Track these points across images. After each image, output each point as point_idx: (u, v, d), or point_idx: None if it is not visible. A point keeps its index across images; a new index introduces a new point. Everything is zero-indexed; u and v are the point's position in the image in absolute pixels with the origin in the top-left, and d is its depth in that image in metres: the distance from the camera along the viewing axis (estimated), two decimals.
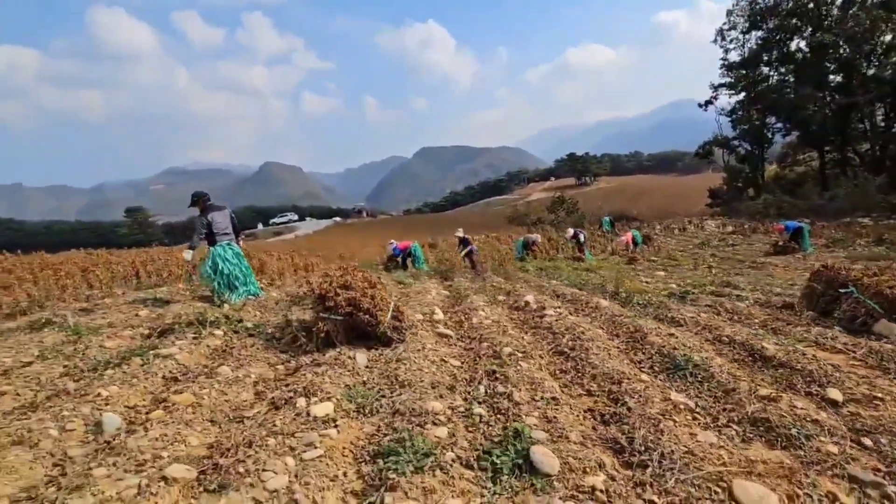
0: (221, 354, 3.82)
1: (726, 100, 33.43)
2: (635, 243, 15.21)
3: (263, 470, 2.22)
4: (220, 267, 5.58)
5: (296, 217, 70.39)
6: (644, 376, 3.21)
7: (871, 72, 23.07)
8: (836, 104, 22.75)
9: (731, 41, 30.16)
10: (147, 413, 2.79)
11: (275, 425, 2.60)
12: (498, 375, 3.23)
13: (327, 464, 2.33)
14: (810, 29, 23.52)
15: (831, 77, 24.22)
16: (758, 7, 25.94)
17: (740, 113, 30.28)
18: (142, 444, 2.37)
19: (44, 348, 3.89)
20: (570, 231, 15.23)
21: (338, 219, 69.16)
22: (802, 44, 24.55)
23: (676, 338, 3.87)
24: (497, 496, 2.08)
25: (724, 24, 29.97)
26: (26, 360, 3.68)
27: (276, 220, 68.72)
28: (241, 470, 2.23)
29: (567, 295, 5.87)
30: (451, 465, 2.27)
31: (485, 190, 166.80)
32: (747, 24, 27.60)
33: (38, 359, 3.66)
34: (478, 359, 3.63)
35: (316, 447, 2.41)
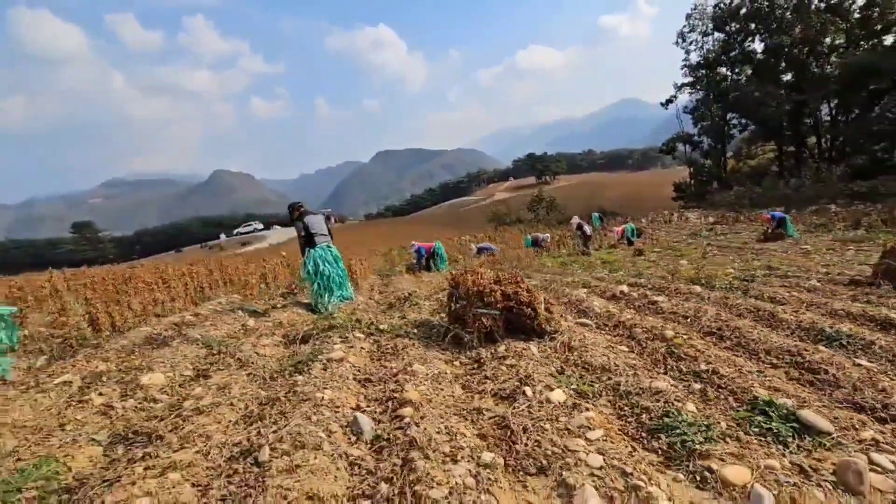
0: (386, 355, 3.83)
1: (687, 98, 35.43)
2: (629, 237, 15.84)
3: (566, 450, 2.34)
4: (319, 268, 5.52)
5: (261, 226, 68.14)
6: (808, 347, 3.51)
7: (818, 71, 25.18)
8: (792, 101, 24.70)
9: (691, 43, 32.06)
10: (392, 411, 2.81)
11: (530, 413, 2.70)
12: (681, 355, 3.44)
13: (611, 444, 2.45)
14: (767, 33, 25.40)
15: (784, 77, 26.21)
16: (719, 11, 27.74)
17: (702, 110, 32.19)
18: (431, 439, 2.41)
19: (197, 360, 3.77)
20: (576, 221, 15.30)
21: None
22: (759, 45, 26.52)
23: (804, 314, 4.22)
24: (794, 455, 2.29)
25: (684, 26, 31.84)
26: (191, 374, 3.56)
27: (240, 229, 66.26)
28: (549, 452, 2.33)
29: (647, 284, 6.17)
30: (729, 434, 2.46)
31: (445, 192, 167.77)
32: (710, 26, 29.44)
33: (204, 371, 3.55)
34: (642, 343, 3.82)
35: (592, 428, 2.53)
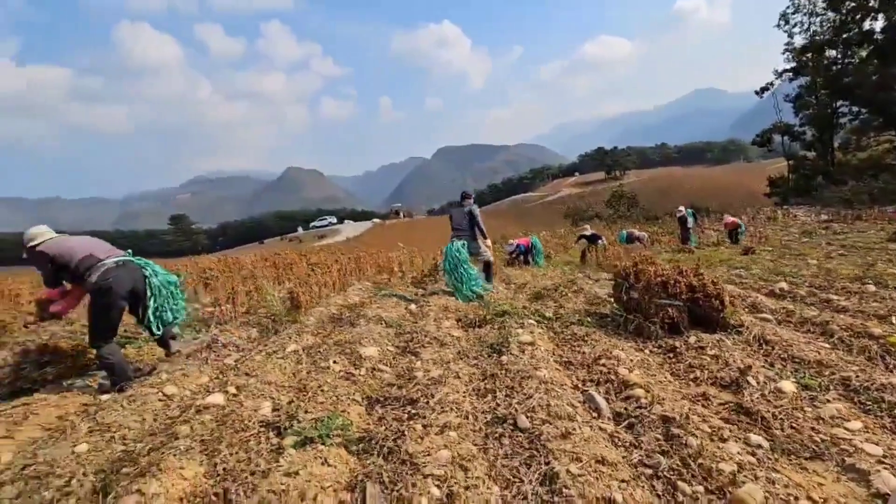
0: (570, 342, 3.96)
1: (787, 85, 32.61)
2: (738, 234, 14.90)
3: (835, 438, 2.34)
4: (445, 264, 5.82)
5: (335, 220, 71.51)
6: None
7: None
8: None
9: (795, 25, 29.46)
10: (618, 392, 2.94)
11: (768, 401, 2.72)
12: None
13: (876, 435, 2.42)
14: (892, 9, 22.77)
15: None
16: None
17: (806, 98, 29.53)
18: (683, 416, 2.51)
19: (390, 338, 4.12)
20: (682, 210, 14.60)
21: (377, 220, 69.90)
22: (880, 24, 23.84)
23: None
24: None
25: (788, 7, 29.28)
26: (395, 350, 3.90)
27: (315, 223, 69.90)
28: (816, 439, 2.35)
29: (804, 282, 5.87)
30: None
31: (508, 188, 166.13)
32: (819, 6, 26.93)
33: (408, 348, 3.88)
34: (844, 340, 3.67)
35: (847, 420, 2.52)
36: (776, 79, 31.23)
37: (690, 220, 15.06)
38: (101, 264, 3.37)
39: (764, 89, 35.24)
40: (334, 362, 3.52)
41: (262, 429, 2.76)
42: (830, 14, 26.98)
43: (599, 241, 12.34)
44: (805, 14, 28.93)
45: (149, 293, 3.61)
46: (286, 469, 2.26)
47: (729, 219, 15.48)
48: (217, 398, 3.03)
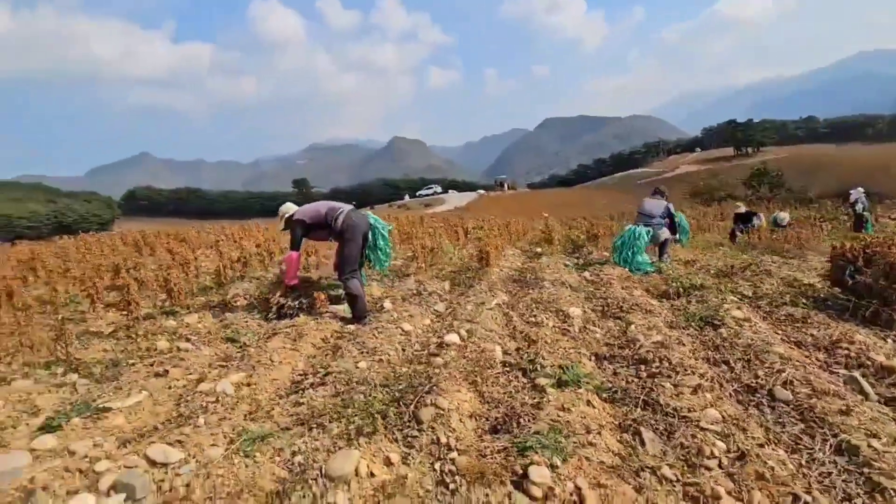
0: (793, 323, 3.72)
1: None
2: None
3: None
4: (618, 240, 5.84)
5: (440, 189, 73.26)
6: None
7: None
8: None
9: None
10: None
11: None
12: None
13: None
14: None
15: None
16: None
17: None
18: None
19: (591, 298, 4.20)
20: (853, 194, 12.76)
21: (481, 191, 70.32)
22: None
23: None
24: None
25: None
26: (600, 310, 3.99)
27: (422, 192, 72.31)
28: None
29: None
30: None
31: (617, 163, 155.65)
32: None
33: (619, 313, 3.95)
34: None
35: None
36: None
37: (860, 205, 13.00)
38: (342, 211, 4.08)
39: None
40: (546, 318, 3.70)
41: (506, 368, 3.04)
42: None
43: (755, 221, 11.20)
44: None
45: (377, 235, 4.14)
46: (558, 404, 2.48)
47: None
48: (453, 338, 3.37)
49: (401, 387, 2.77)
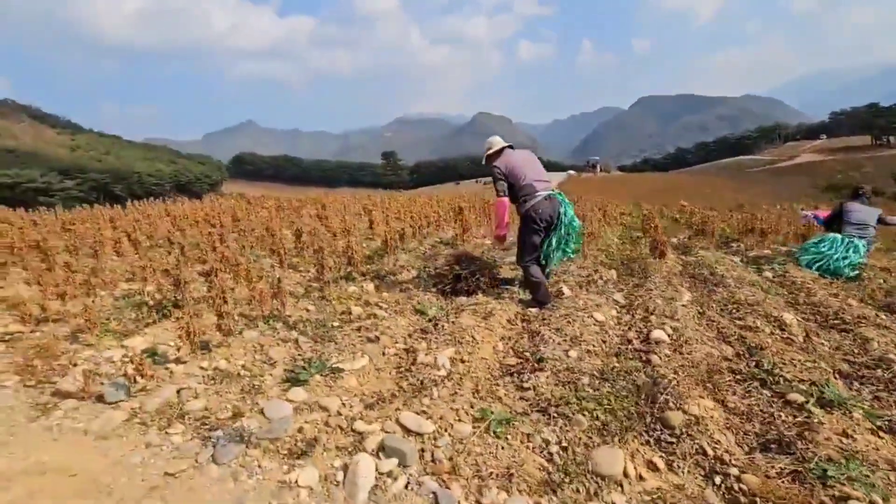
0: None
1: None
2: None
3: None
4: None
5: None
6: None
7: None
8: None
9: None
10: None
11: None
12: None
13: None
14: None
15: None
16: None
17: None
18: None
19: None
20: None
21: (571, 172, 67.67)
22: None
23: None
24: None
25: None
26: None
27: None
28: None
29: None
30: None
31: (723, 147, 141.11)
32: None
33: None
34: None
35: None
36: None
37: None
38: (536, 194, 3.74)
39: None
40: (757, 323, 3.34)
41: (736, 376, 2.76)
42: None
43: None
44: None
45: (561, 228, 3.85)
46: (836, 429, 2.20)
47: None
48: (660, 334, 3.14)
49: (622, 383, 2.62)
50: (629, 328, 3.39)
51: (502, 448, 2.14)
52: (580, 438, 2.18)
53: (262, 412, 2.39)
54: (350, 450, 2.13)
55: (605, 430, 2.24)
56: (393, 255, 5.04)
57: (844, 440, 2.12)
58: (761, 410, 2.39)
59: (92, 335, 3.22)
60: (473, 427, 2.27)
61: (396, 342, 3.19)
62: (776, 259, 5.53)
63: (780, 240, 6.71)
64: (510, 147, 3.95)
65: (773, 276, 4.79)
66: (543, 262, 3.92)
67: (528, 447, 2.16)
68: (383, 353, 3.03)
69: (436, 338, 3.17)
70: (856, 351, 3.05)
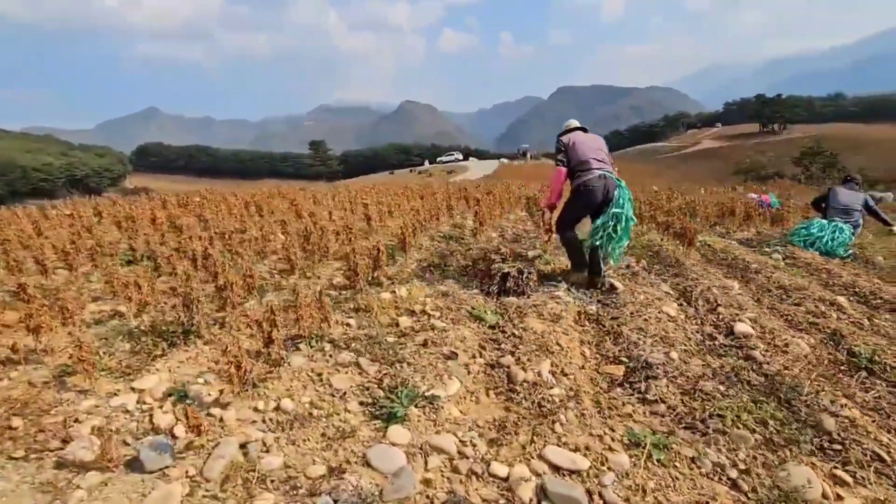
0: None
1: None
2: None
3: None
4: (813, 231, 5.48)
5: (461, 157, 71.90)
6: None
7: None
8: None
9: None
10: None
11: None
12: None
13: None
14: None
15: None
16: None
17: None
18: None
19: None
20: None
21: (504, 160, 68.94)
22: None
23: None
24: None
25: None
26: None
27: (443, 158, 70.97)
28: None
29: None
30: None
31: (634, 135, 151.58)
32: None
33: None
34: None
35: None
36: None
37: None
38: (592, 171, 3.69)
39: None
40: (822, 308, 3.34)
41: (844, 368, 2.69)
42: None
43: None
44: None
45: (606, 210, 3.67)
46: None
47: None
48: (744, 328, 3.03)
49: (739, 386, 2.45)
50: (702, 322, 3.26)
51: (677, 479, 1.86)
52: (754, 457, 1.96)
53: (367, 463, 1.92)
54: (502, 503, 1.75)
55: (771, 445, 2.04)
56: (409, 255, 4.56)
57: None
58: (890, 404, 2.32)
59: (86, 378, 2.48)
60: (630, 456, 1.97)
61: (474, 356, 2.79)
62: (770, 242, 5.77)
63: (758, 223, 7.06)
64: (583, 129, 4.07)
65: (784, 259, 4.95)
66: (591, 244, 3.83)
67: (703, 474, 1.90)
68: (468, 372, 2.62)
69: (517, 348, 2.81)
70: None
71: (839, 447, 2.01)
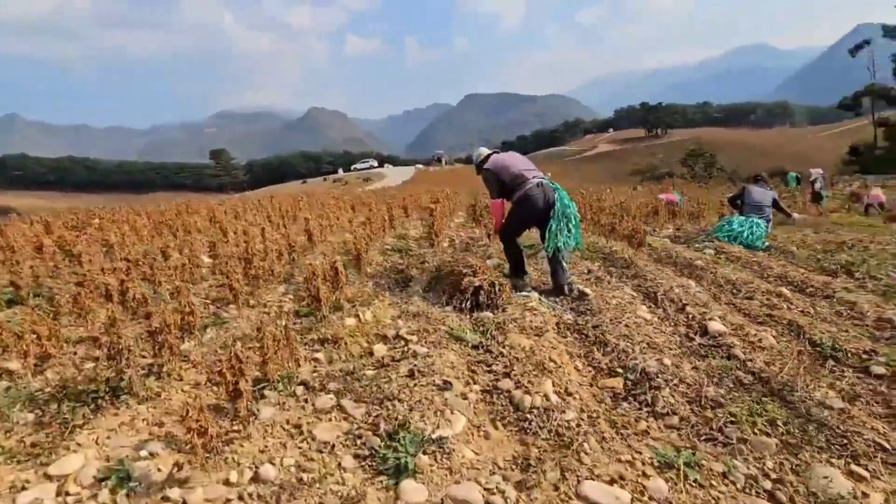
0: None
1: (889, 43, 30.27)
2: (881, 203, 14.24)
3: None
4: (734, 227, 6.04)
5: (376, 163, 70.93)
6: None
7: None
8: None
9: None
10: None
11: None
12: None
13: None
14: None
15: None
16: None
17: None
18: None
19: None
20: (814, 174, 14.13)
21: (420, 166, 69.17)
22: None
23: None
24: None
25: None
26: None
27: (358, 165, 69.47)
28: None
29: None
30: None
31: (539, 140, 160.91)
32: None
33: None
34: None
35: None
36: (887, 36, 28.93)
37: (819, 184, 14.53)
38: (528, 182, 3.85)
39: (858, 47, 32.94)
40: (773, 300, 3.57)
41: (821, 360, 2.84)
42: None
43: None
44: None
45: (553, 215, 3.76)
46: None
47: (875, 194, 14.59)
48: (717, 326, 3.12)
49: (730, 385, 2.49)
50: (675, 324, 3.31)
51: (718, 499, 1.78)
52: (780, 464, 1.94)
53: None
54: None
55: (790, 447, 2.04)
56: (363, 272, 4.19)
57: None
58: (875, 392, 2.46)
59: None
60: (666, 480, 1.85)
61: (468, 383, 2.55)
62: (698, 238, 6.21)
63: (679, 222, 7.61)
64: (496, 151, 4.29)
65: (716, 254, 5.32)
66: (550, 252, 3.83)
67: (739, 489, 1.83)
68: (464, 397, 2.38)
69: (511, 369, 2.62)
70: (854, 315, 3.44)
71: (844, 441, 2.07)
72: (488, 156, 4.19)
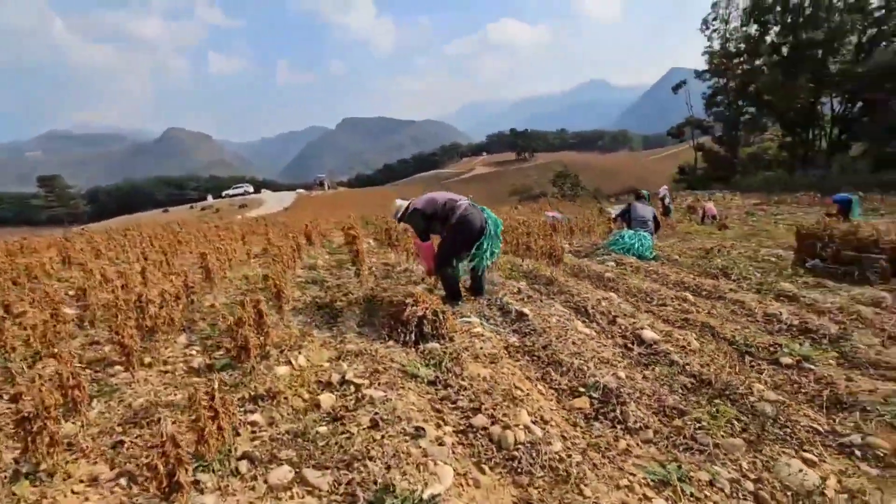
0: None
1: (699, 84, 37.12)
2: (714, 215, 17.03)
3: None
4: (626, 241, 6.64)
5: (251, 189, 65.89)
6: None
7: (837, 68, 27.28)
8: (815, 95, 27.09)
9: (714, 31, 33.61)
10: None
11: None
12: None
13: None
14: (798, 28, 27.17)
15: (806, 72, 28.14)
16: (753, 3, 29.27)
17: (720, 98, 34.06)
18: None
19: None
20: (662, 191, 16.34)
21: (301, 190, 65.97)
22: (788, 38, 28.27)
23: None
24: None
25: (710, 14, 33.31)
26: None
27: (229, 191, 63.80)
28: None
29: None
30: None
31: (418, 163, 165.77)
32: (734, 15, 31.36)
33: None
34: None
35: None
36: (696, 77, 35.36)
37: (667, 199, 16.96)
38: (460, 205, 3.95)
39: (677, 87, 39.85)
40: (684, 305, 3.94)
41: (754, 361, 3.14)
42: (740, 25, 31.44)
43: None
44: (721, 21, 33.16)
45: (489, 235, 3.95)
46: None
47: (708, 206, 17.30)
48: (649, 334, 3.32)
49: (681, 391, 2.65)
50: (611, 335, 3.46)
51: None
52: (753, 463, 2.06)
53: None
54: None
55: (754, 445, 2.18)
56: (285, 311, 3.70)
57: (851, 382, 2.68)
58: (791, 380, 2.78)
59: None
60: (665, 499, 1.85)
61: (438, 425, 2.33)
62: (597, 252, 6.74)
63: (572, 239, 8.22)
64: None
65: (617, 265, 5.80)
66: (473, 265, 4.08)
67: (728, 496, 1.89)
68: (440, 443, 2.16)
69: (480, 403, 2.46)
70: (746, 312, 3.93)
71: (789, 430, 2.29)
72: (409, 205, 4.15)
